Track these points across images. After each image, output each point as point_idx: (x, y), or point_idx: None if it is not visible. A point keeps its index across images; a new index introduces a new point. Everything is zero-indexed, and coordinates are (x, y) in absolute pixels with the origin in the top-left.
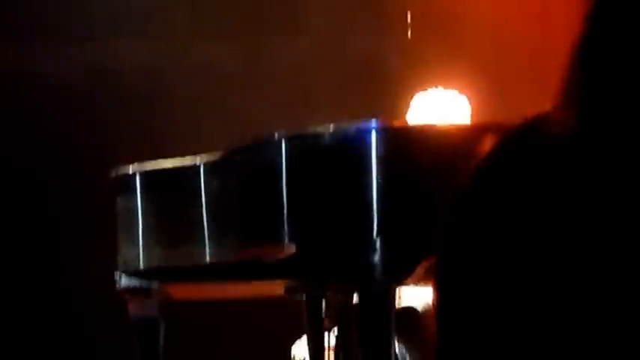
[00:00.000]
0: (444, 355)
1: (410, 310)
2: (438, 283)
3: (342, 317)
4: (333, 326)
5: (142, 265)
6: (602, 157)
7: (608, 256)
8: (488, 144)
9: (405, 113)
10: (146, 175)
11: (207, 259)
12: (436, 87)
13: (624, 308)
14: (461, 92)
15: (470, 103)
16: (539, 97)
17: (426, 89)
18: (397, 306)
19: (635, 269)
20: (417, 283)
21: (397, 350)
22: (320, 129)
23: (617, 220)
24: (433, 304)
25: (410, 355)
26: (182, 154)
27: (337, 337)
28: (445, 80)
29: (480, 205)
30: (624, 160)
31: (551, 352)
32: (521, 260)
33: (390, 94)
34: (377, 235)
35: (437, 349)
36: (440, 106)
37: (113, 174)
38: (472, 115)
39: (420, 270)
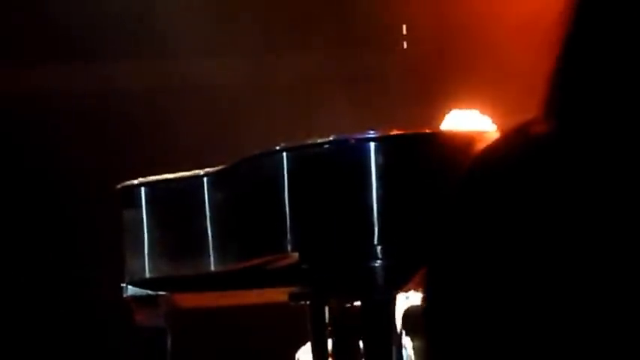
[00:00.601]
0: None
1: (419, 309)
2: (427, 289)
3: (339, 324)
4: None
5: (147, 275)
6: (580, 157)
7: (589, 254)
8: (479, 149)
9: (405, 124)
10: (151, 188)
11: (212, 268)
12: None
13: (609, 308)
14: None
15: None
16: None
17: (423, 102)
18: (406, 305)
19: (617, 264)
20: (417, 288)
21: (405, 348)
22: (320, 140)
23: (596, 218)
24: (422, 310)
25: (418, 354)
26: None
27: (334, 343)
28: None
29: (467, 210)
30: (600, 159)
31: (539, 355)
32: (509, 262)
33: (391, 106)
34: (378, 243)
35: (427, 353)
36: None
37: (119, 187)
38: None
39: (420, 276)
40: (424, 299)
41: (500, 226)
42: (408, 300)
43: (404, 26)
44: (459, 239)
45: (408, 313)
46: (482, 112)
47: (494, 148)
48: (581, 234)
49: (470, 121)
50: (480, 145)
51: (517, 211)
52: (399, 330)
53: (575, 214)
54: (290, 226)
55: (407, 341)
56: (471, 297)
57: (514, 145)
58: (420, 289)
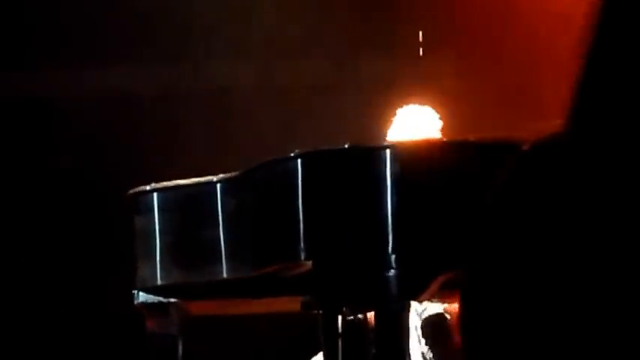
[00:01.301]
0: None
1: (438, 318)
2: (466, 296)
3: (352, 333)
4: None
5: (159, 282)
6: (595, 165)
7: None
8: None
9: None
10: (163, 194)
11: (225, 275)
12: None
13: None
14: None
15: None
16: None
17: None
18: (426, 314)
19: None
20: (431, 299)
21: (425, 357)
22: (335, 147)
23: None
24: (460, 316)
25: None
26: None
27: (346, 353)
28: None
29: (504, 219)
30: (618, 166)
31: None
32: (547, 270)
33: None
34: (392, 252)
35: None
36: (417, 123)
37: (130, 192)
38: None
39: (434, 286)
40: (462, 307)
41: (539, 236)
42: (424, 310)
43: (420, 33)
44: (502, 248)
45: (428, 322)
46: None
47: (526, 161)
48: (605, 248)
49: (419, 118)
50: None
51: (548, 221)
52: (418, 339)
53: (596, 227)
54: (304, 233)
55: (426, 350)
56: (513, 306)
57: (544, 156)
58: (435, 298)
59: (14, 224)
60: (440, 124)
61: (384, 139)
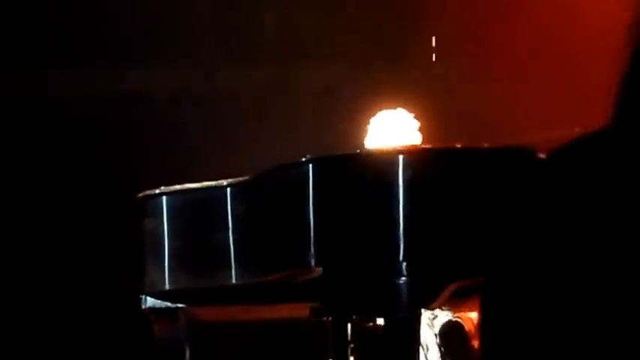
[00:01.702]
0: None
1: (454, 324)
2: (489, 304)
3: (362, 341)
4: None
5: (167, 287)
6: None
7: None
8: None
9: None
10: (172, 198)
11: (233, 281)
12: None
13: None
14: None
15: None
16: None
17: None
18: (437, 322)
19: None
20: (442, 307)
21: None
22: (347, 152)
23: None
24: (481, 324)
25: None
26: (212, 180)
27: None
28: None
29: (534, 225)
30: None
31: None
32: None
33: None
34: (403, 259)
35: None
36: (395, 128)
37: (139, 196)
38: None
39: (445, 294)
40: (482, 314)
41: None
42: (434, 318)
43: (433, 38)
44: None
45: (444, 330)
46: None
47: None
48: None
49: (397, 121)
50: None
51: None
52: (437, 347)
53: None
54: (314, 239)
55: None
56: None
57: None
58: (444, 308)
59: (24, 225)
60: (417, 124)
61: (362, 146)
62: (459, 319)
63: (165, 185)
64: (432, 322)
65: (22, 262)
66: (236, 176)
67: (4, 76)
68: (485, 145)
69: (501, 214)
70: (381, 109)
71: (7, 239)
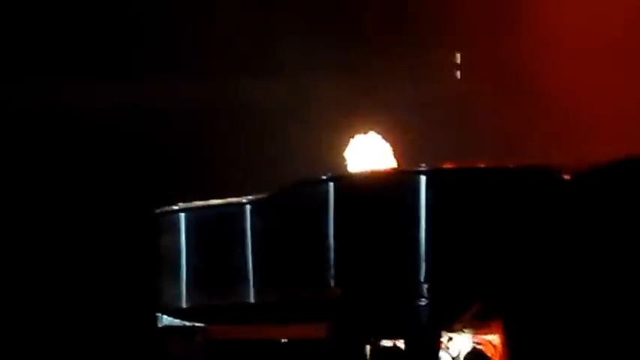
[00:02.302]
0: None
1: (478, 352)
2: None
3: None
4: None
5: (184, 305)
6: None
7: None
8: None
9: (455, 156)
10: (191, 214)
11: (251, 299)
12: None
13: None
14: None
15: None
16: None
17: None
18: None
19: None
20: (464, 329)
21: None
22: (369, 171)
23: None
24: (506, 348)
25: None
26: (230, 194)
27: None
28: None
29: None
30: None
31: None
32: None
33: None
34: (424, 281)
35: None
36: (371, 151)
37: (157, 212)
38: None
39: (467, 316)
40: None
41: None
42: (450, 340)
43: (457, 55)
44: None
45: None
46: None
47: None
48: None
49: (371, 145)
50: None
51: None
52: None
53: None
54: (334, 259)
55: None
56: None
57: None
58: (466, 330)
59: (40, 239)
60: (388, 148)
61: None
62: (480, 346)
63: (184, 200)
64: (447, 345)
65: (36, 280)
66: (257, 191)
67: (20, 85)
68: (510, 164)
69: (524, 235)
70: (403, 126)
71: (25, 252)
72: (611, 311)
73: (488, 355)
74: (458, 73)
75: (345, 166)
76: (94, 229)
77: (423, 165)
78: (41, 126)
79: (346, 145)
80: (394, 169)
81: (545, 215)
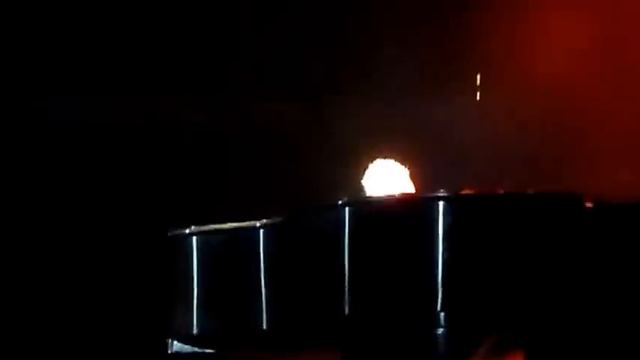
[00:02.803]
0: None
1: None
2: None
3: None
4: None
5: (195, 331)
6: None
7: None
8: None
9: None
10: (203, 237)
11: (264, 326)
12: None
13: None
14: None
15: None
16: None
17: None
18: None
19: None
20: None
21: None
22: (385, 196)
23: None
24: None
25: None
26: (245, 217)
27: None
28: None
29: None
30: None
31: None
32: None
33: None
34: (441, 309)
35: None
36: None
37: (169, 235)
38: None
39: (486, 346)
40: None
41: None
42: None
43: (478, 76)
44: None
45: None
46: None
47: None
48: None
49: (390, 170)
50: None
51: None
52: None
53: None
54: (349, 285)
55: None
56: None
57: None
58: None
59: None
60: (407, 173)
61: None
62: None
63: (197, 223)
64: None
65: (45, 302)
66: (269, 214)
67: (26, 103)
68: (530, 190)
69: (545, 263)
70: (422, 146)
71: (35, 275)
72: (636, 342)
73: None
74: (478, 95)
75: (364, 191)
76: (105, 251)
77: (442, 190)
78: (60, 141)
79: (365, 170)
80: (412, 194)
81: (567, 243)
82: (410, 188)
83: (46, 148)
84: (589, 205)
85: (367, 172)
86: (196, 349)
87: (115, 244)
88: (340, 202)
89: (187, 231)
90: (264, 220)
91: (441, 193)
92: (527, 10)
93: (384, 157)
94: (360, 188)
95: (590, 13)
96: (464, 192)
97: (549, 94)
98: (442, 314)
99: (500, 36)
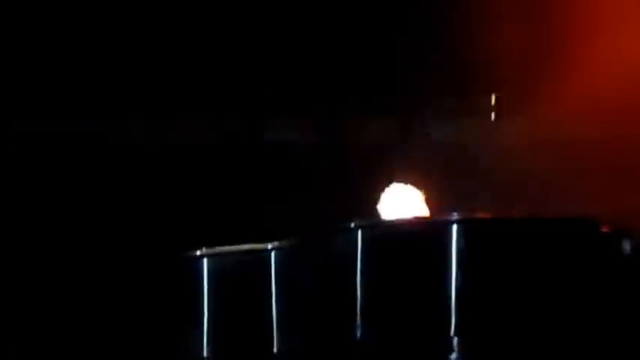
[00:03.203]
0: None
1: None
2: None
3: None
4: None
5: (205, 354)
6: None
7: None
8: None
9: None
10: (214, 260)
11: (275, 349)
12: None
13: None
14: None
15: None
16: None
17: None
18: None
19: None
20: None
21: None
22: (397, 219)
23: None
24: None
25: None
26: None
27: None
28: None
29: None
30: None
31: None
32: None
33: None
34: (454, 334)
35: None
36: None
37: (180, 257)
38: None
39: None
40: None
41: None
42: None
43: (492, 96)
44: None
45: None
46: None
47: None
48: None
49: (406, 194)
50: None
51: None
52: None
53: None
54: (361, 310)
55: None
56: None
57: None
58: None
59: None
60: (422, 197)
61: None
62: None
63: (209, 244)
64: None
65: (56, 325)
66: (282, 235)
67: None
68: (544, 214)
69: (560, 288)
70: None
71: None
72: None
73: None
74: (492, 116)
75: (379, 214)
76: (115, 273)
77: (455, 214)
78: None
79: (381, 193)
80: (425, 217)
81: (582, 267)
82: (425, 212)
83: (106, 171)
84: (605, 229)
85: (382, 196)
86: None
87: (127, 267)
88: (352, 224)
89: (198, 253)
90: (276, 242)
91: (455, 216)
92: (543, 33)
93: (399, 181)
94: (377, 212)
95: (606, 38)
96: (478, 215)
97: (566, 116)
98: (455, 339)
99: (516, 59)
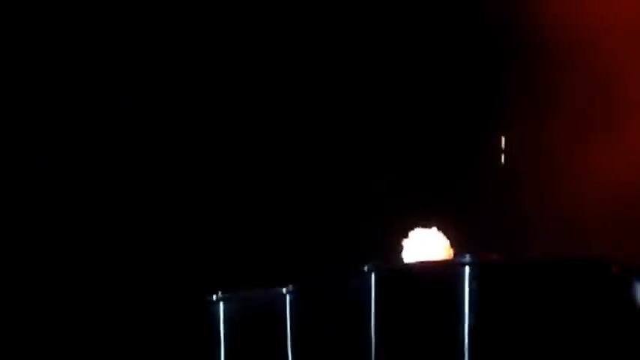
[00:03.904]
0: None
1: None
2: None
3: None
4: None
5: None
6: None
7: None
8: None
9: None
10: (229, 304)
11: None
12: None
13: None
14: None
15: None
16: None
17: None
18: None
19: None
20: None
21: None
22: (411, 263)
23: None
24: None
25: None
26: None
27: None
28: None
29: None
30: None
31: None
32: None
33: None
34: None
35: None
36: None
37: (196, 301)
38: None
39: None
40: None
41: None
42: None
43: (502, 138)
44: None
45: None
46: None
47: None
48: None
49: (429, 239)
50: None
51: None
52: None
53: None
54: (375, 352)
55: None
56: None
57: None
58: None
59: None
60: (446, 243)
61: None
62: None
63: (225, 288)
64: None
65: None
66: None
67: None
68: (556, 256)
69: (573, 331)
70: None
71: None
72: None
73: None
74: (502, 158)
75: (402, 258)
76: (134, 318)
77: (467, 256)
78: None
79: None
80: (437, 260)
81: (594, 309)
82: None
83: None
84: (616, 270)
85: (405, 242)
86: None
87: (143, 311)
88: (366, 268)
89: (214, 297)
90: (291, 286)
91: (467, 259)
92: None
93: (423, 226)
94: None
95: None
96: (490, 258)
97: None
98: None
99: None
